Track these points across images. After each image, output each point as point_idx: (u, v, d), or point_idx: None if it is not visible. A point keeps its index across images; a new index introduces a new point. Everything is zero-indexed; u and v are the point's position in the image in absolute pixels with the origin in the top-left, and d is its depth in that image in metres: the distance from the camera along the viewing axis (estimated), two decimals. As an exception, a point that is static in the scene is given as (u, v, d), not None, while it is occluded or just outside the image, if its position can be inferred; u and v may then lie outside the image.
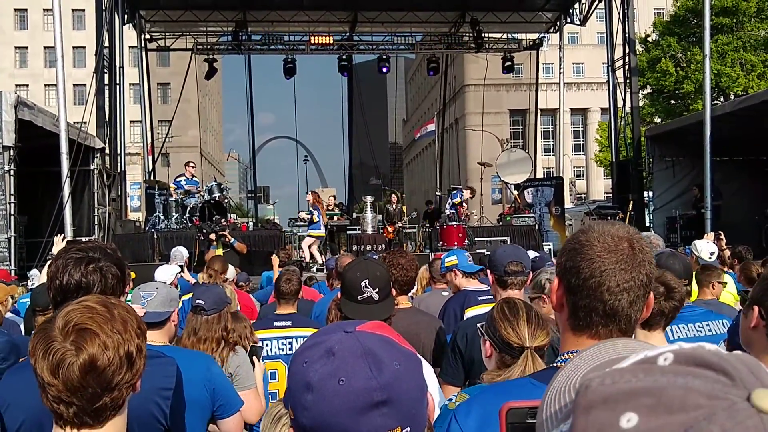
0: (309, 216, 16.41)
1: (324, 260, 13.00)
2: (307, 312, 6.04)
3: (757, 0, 34.25)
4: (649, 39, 38.68)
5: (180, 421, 2.60)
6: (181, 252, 9.18)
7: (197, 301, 4.05)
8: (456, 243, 15.51)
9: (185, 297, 6.92)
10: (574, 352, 1.57)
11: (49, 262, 2.51)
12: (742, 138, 16.42)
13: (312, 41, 22.89)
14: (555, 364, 1.64)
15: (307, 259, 15.41)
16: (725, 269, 6.89)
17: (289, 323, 4.92)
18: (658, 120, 35.84)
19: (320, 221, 16.33)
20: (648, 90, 37.36)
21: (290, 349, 4.82)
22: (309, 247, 16.26)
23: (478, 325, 2.77)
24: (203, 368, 3.11)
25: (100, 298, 1.74)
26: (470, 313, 4.96)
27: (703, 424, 0.54)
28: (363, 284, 2.92)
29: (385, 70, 24.03)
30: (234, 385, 3.70)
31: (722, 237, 9.31)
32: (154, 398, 2.39)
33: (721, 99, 31.86)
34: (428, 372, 2.67)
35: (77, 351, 1.57)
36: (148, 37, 23.11)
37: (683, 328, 3.60)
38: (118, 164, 18.57)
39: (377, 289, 2.94)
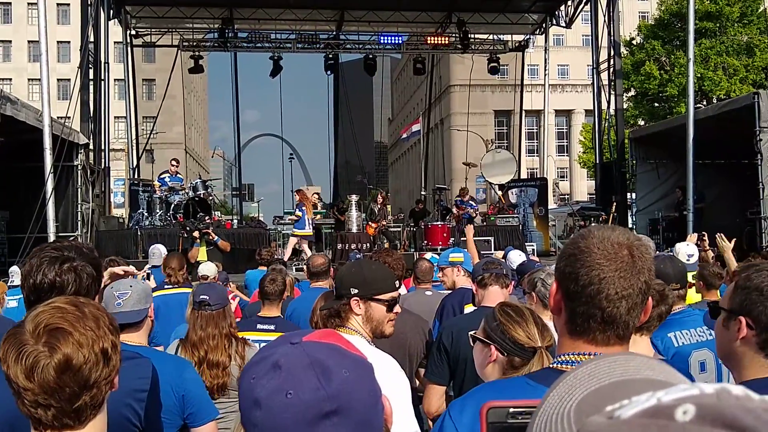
0: (297, 214, 16.45)
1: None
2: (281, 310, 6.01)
3: (741, 5, 34.57)
4: (634, 42, 38.91)
5: (155, 423, 2.55)
6: (159, 249, 9.09)
7: (201, 297, 4.00)
8: (440, 242, 15.56)
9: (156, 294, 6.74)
10: (572, 354, 1.59)
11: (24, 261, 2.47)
12: (724, 141, 16.56)
13: (298, 39, 22.86)
14: (552, 366, 1.65)
15: (286, 258, 15.36)
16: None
17: (272, 327, 4.81)
18: (641, 122, 36.06)
19: (305, 219, 16.35)
20: (632, 92, 37.59)
21: None
22: (297, 245, 16.27)
23: (470, 333, 2.78)
24: (175, 373, 3.00)
25: (68, 298, 1.71)
26: (469, 309, 4.99)
27: None
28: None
29: (370, 73, 24.16)
30: None
31: (705, 239, 9.38)
32: (127, 400, 2.34)
33: (704, 102, 32.10)
34: (394, 374, 2.67)
35: (51, 351, 1.54)
36: (133, 32, 22.97)
37: (686, 333, 3.59)
38: (102, 160, 18.45)
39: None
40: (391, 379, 2.60)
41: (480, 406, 1.69)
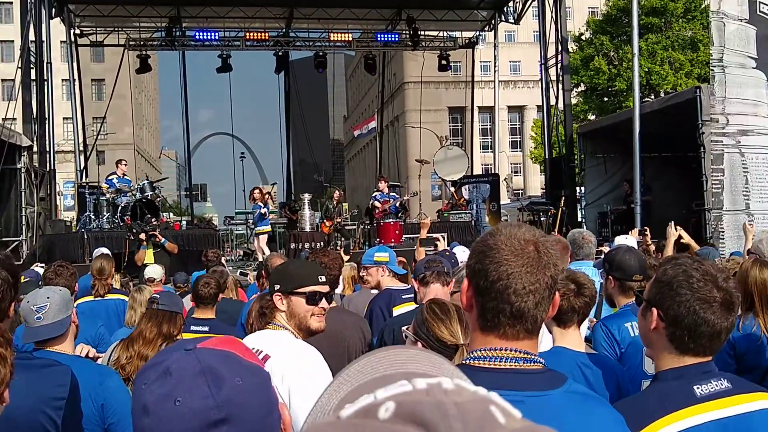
0: (263, 211, 16.37)
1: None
2: (236, 313, 5.95)
3: (685, 1, 35.36)
4: (583, 37, 39.52)
5: (75, 430, 2.51)
6: (102, 253, 8.92)
7: (153, 296, 4.28)
8: (393, 240, 15.57)
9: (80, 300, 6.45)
10: (483, 350, 1.63)
11: None
12: (670, 135, 16.87)
13: (247, 37, 22.66)
14: (464, 362, 1.68)
15: (261, 258, 15.22)
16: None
17: (206, 329, 4.85)
18: (591, 117, 36.65)
19: (267, 217, 16.44)
20: (582, 87, 38.18)
21: None
22: (261, 244, 16.22)
23: (403, 328, 2.79)
24: (95, 381, 2.92)
25: None
26: (397, 311, 4.99)
27: None
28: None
29: (320, 71, 24.07)
30: None
31: (647, 233, 9.58)
32: (43, 408, 2.28)
33: (652, 96, 32.74)
34: (318, 365, 2.69)
35: None
36: (78, 32, 22.49)
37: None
38: (48, 162, 18.03)
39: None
40: (315, 371, 2.63)
41: None
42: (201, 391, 1.01)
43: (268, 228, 16.58)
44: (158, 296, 4.29)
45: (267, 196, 17.05)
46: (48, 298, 2.99)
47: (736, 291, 2.02)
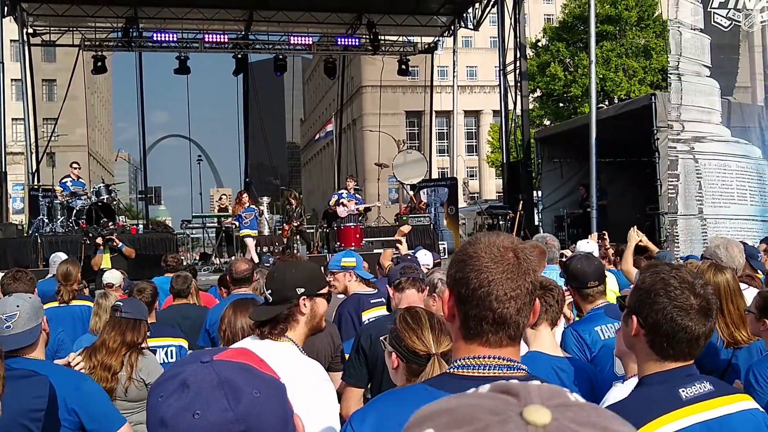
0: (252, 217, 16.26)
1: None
2: (200, 319, 5.87)
3: (638, 10, 36.10)
4: (539, 44, 40.04)
5: None
6: (60, 258, 8.72)
7: (116, 303, 4.22)
8: (353, 243, 15.55)
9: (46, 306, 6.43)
10: (467, 358, 1.63)
11: None
12: (625, 140, 17.20)
13: (206, 39, 22.42)
14: (449, 371, 1.68)
15: (256, 260, 15.01)
16: (608, 266, 7.20)
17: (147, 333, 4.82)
18: (547, 122, 37.15)
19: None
20: (538, 93, 38.67)
21: None
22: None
23: (381, 339, 2.79)
24: (69, 386, 2.85)
25: None
26: (366, 316, 4.99)
27: (481, 429, 0.65)
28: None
29: (278, 74, 23.96)
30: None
31: (606, 237, 9.75)
32: (20, 420, 2.22)
33: (606, 102, 33.32)
34: (322, 381, 2.65)
35: None
36: (31, 31, 21.99)
37: (611, 327, 3.74)
38: (-1, 164, 17.60)
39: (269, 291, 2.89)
40: (320, 387, 2.61)
41: (380, 414, 1.70)
42: (220, 404, 1.01)
43: (253, 232, 16.56)
44: (121, 304, 4.23)
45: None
46: (18, 306, 2.89)
47: (713, 297, 2.06)
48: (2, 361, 1.61)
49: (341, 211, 17.28)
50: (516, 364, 1.63)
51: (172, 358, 4.77)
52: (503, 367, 1.61)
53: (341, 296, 5.65)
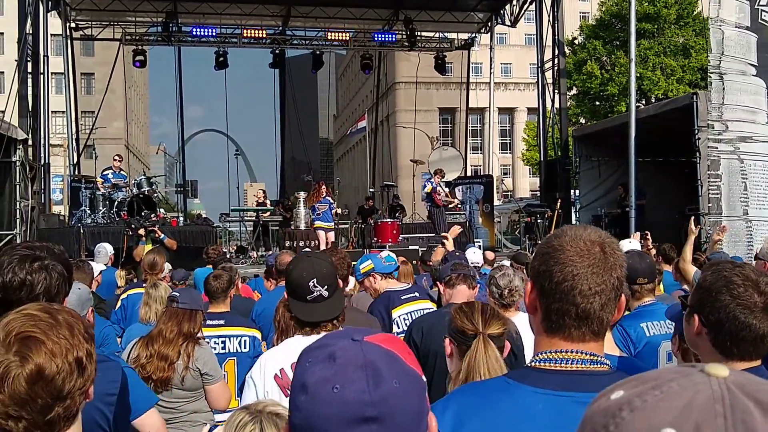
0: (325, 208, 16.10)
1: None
2: (245, 310, 5.96)
3: (677, 8, 35.57)
4: (576, 42, 39.67)
5: (124, 427, 2.51)
6: (105, 248, 8.86)
7: (172, 294, 4.32)
8: (390, 240, 15.60)
9: (123, 295, 6.74)
10: (549, 352, 1.60)
11: None
12: (664, 140, 16.99)
13: (245, 35, 22.61)
14: (530, 364, 1.65)
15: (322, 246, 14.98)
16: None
17: (221, 322, 4.87)
18: (583, 120, 36.82)
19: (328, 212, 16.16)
20: (574, 91, 38.34)
21: (223, 347, 4.78)
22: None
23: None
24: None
25: (41, 304, 1.64)
26: (396, 313, 4.97)
27: (667, 383, 0.73)
28: (311, 284, 2.91)
29: (313, 71, 24.14)
30: (206, 379, 4.10)
31: (648, 236, 9.66)
32: (97, 405, 2.26)
33: (643, 101, 32.93)
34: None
35: (22, 361, 1.48)
36: (73, 25, 22.36)
37: (656, 324, 3.77)
38: (42, 156, 17.92)
39: (326, 286, 2.93)
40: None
41: (460, 406, 1.71)
42: (359, 385, 1.03)
43: (326, 224, 16.13)
44: (178, 294, 4.28)
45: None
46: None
47: None
48: (93, 343, 1.66)
49: (438, 199, 17.33)
50: (599, 358, 1.59)
51: (245, 348, 4.81)
52: (587, 362, 1.57)
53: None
